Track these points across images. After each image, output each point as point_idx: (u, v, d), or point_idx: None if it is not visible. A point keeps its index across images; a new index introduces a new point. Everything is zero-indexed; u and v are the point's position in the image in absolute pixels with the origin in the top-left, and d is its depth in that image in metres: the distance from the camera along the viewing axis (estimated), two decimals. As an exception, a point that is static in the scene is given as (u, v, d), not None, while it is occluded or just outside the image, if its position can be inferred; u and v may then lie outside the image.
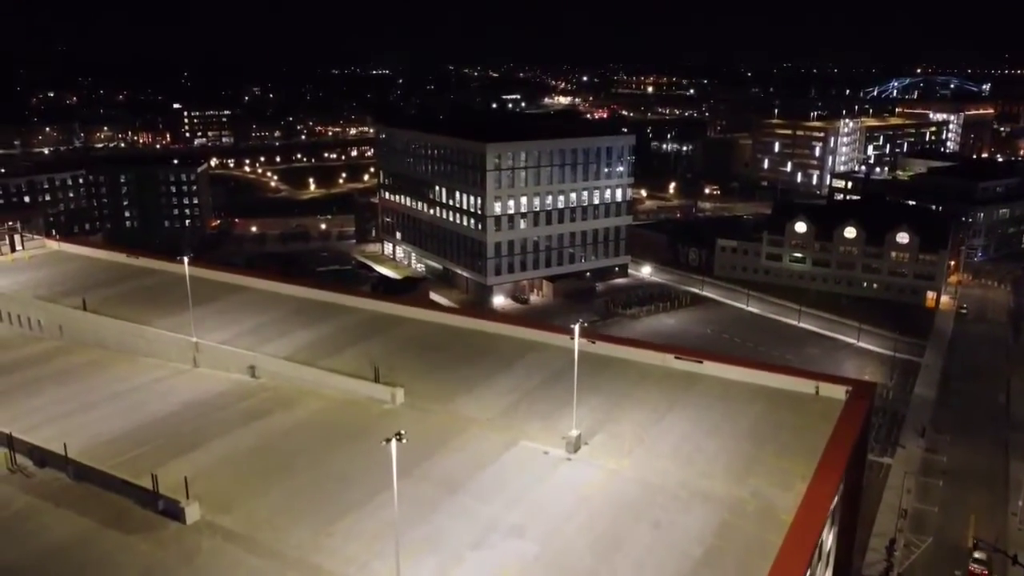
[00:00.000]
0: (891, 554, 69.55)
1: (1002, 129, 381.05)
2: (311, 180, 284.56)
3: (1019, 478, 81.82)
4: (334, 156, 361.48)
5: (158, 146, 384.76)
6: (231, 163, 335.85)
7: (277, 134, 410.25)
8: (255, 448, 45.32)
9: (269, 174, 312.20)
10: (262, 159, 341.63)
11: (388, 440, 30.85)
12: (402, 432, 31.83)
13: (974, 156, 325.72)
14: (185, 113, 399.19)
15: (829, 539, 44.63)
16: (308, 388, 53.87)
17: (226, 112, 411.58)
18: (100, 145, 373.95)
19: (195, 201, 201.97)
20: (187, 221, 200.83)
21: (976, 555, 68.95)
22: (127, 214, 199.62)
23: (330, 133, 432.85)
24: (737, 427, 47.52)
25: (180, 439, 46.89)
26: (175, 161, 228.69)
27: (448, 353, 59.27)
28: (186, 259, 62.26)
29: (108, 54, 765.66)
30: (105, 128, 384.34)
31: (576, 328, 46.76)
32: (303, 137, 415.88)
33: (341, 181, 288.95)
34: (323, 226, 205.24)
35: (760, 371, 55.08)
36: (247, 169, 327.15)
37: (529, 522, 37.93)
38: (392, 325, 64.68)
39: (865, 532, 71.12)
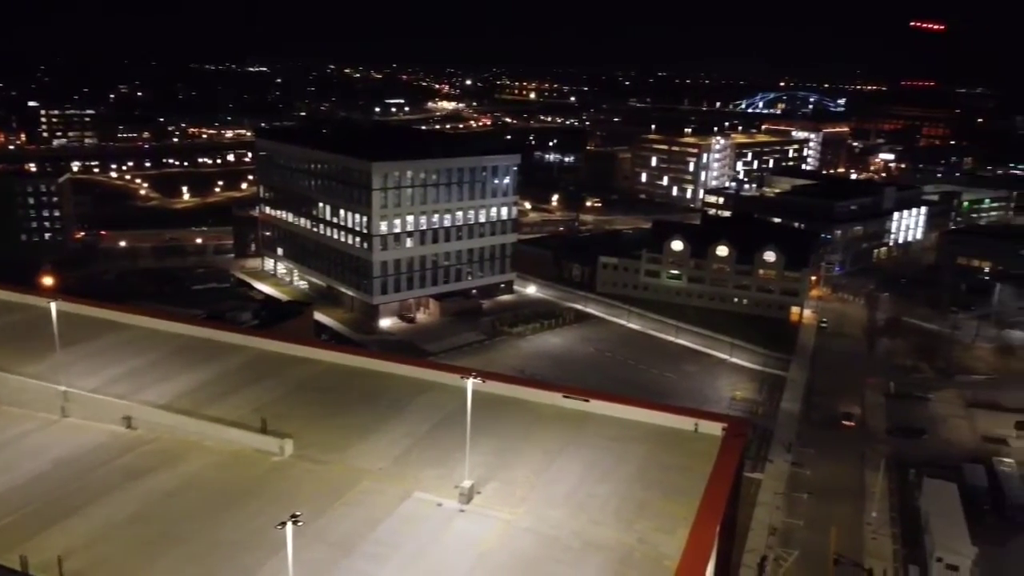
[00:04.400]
0: (762, 571, 73.97)
1: (856, 145, 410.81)
2: (185, 188, 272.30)
3: (873, 490, 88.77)
4: (209, 161, 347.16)
5: (11, 147, 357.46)
6: (95, 167, 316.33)
7: (147, 135, 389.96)
8: (136, 514, 43.22)
9: (139, 180, 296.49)
10: (130, 163, 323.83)
11: (283, 524, 30.41)
12: (298, 514, 31.44)
13: (831, 172, 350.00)
14: (42, 112, 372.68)
15: (709, 570, 47.26)
16: (191, 440, 51.88)
17: (89, 111, 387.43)
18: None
19: (56, 213, 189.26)
20: (47, 235, 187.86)
21: None
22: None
23: (205, 136, 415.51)
24: (626, 469, 49.35)
25: (53, 505, 44.12)
26: (32, 166, 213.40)
27: (339, 396, 58.54)
28: (53, 304, 58.51)
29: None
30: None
31: (469, 381, 47.46)
32: (175, 139, 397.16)
33: (218, 189, 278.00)
34: (199, 240, 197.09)
35: (645, 409, 57.44)
36: (114, 175, 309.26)
37: (426, 584, 38.19)
38: (280, 366, 63.15)
39: (738, 550, 75.27)
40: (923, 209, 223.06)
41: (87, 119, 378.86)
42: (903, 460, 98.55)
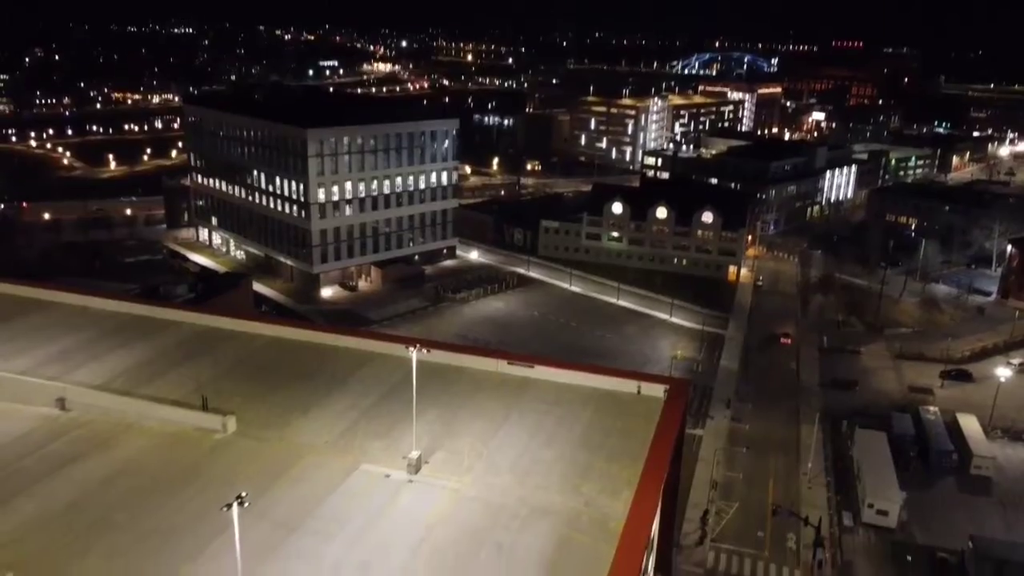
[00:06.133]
0: (704, 523, 76.32)
1: (789, 105, 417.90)
2: (111, 156, 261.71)
3: (808, 442, 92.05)
4: (136, 128, 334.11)
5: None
6: (12, 136, 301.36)
7: (67, 102, 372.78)
8: (71, 502, 42.00)
9: (60, 149, 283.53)
10: (51, 131, 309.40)
11: (228, 506, 29.96)
12: (243, 495, 30.98)
13: (766, 132, 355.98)
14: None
15: (654, 529, 48.51)
16: (128, 421, 50.56)
17: (2, 76, 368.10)
18: None
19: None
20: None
21: None
22: None
23: (129, 101, 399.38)
24: (571, 434, 50.09)
25: (-18, 495, 42.69)
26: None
27: (280, 371, 57.75)
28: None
29: None
30: None
31: (413, 352, 47.28)
32: (98, 106, 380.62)
33: (146, 157, 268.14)
34: (128, 211, 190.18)
35: (588, 373, 58.20)
36: (33, 143, 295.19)
37: (375, 559, 38.17)
38: (218, 341, 61.94)
39: (681, 505, 77.42)
40: (853, 168, 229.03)
41: (0, 85, 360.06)
42: (836, 412, 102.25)
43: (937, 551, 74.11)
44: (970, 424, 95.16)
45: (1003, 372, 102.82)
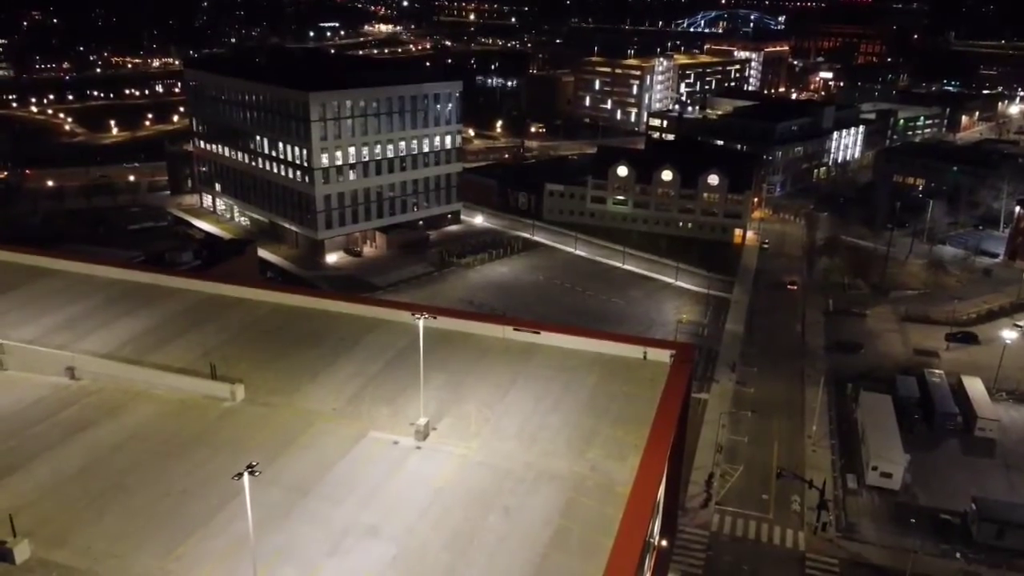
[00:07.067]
0: (710, 486, 77.09)
1: (796, 64, 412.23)
2: (112, 122, 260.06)
3: (812, 405, 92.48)
4: (137, 92, 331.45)
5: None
6: (13, 101, 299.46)
7: (66, 66, 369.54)
8: (84, 467, 42.50)
9: (61, 115, 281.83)
10: (51, 96, 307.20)
11: (239, 475, 30.25)
12: (255, 464, 31.26)
13: (772, 91, 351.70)
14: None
15: (660, 492, 48.95)
16: (137, 389, 50.87)
17: (1, 41, 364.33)
18: None
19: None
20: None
21: None
22: None
23: (129, 65, 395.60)
24: (577, 399, 50.24)
25: (-5, 462, 43.20)
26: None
27: (286, 337, 57.86)
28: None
29: None
30: None
31: (421, 321, 47.32)
32: (98, 70, 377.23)
33: (147, 122, 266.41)
34: (131, 177, 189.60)
35: (594, 339, 58.20)
36: (34, 109, 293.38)
37: (384, 522, 38.65)
38: (224, 308, 62.01)
39: (687, 468, 78.16)
40: (860, 128, 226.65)
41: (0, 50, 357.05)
42: (841, 375, 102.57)
43: (940, 513, 74.84)
44: (975, 386, 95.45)
45: (1009, 334, 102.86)
